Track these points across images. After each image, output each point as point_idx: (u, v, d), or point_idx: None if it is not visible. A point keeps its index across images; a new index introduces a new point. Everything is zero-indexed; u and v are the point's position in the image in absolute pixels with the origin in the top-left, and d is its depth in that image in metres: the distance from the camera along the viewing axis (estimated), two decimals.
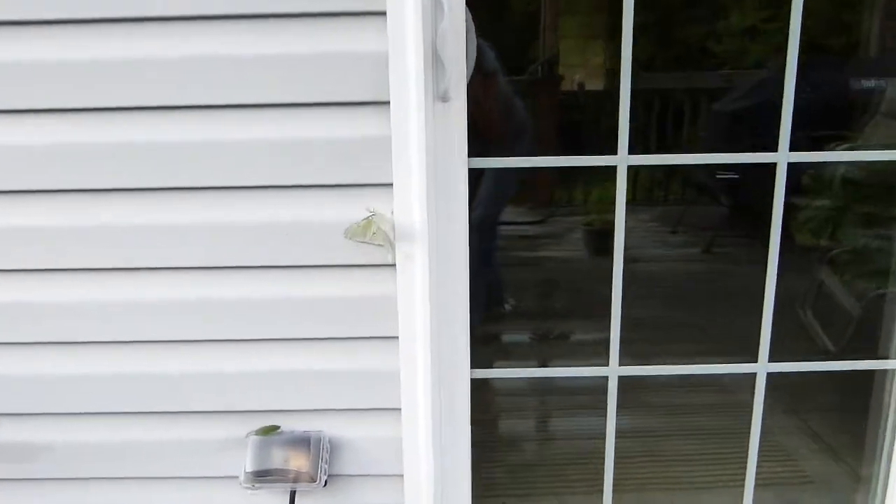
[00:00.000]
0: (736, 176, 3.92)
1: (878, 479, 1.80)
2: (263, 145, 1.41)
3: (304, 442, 1.52)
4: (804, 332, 2.83)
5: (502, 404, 2.58)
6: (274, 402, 1.55)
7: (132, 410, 1.57)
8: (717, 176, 4.01)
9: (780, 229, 1.51)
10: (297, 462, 1.50)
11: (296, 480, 1.50)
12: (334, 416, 1.55)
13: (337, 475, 1.57)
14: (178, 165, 1.42)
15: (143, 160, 1.42)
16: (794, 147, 1.47)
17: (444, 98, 1.38)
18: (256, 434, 1.54)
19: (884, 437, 1.74)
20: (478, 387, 1.57)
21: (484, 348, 1.51)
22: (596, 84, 4.98)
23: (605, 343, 2.94)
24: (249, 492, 1.53)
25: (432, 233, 1.43)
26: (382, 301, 1.47)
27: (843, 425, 2.46)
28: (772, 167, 1.48)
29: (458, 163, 1.43)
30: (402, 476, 1.57)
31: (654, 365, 1.76)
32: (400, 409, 1.53)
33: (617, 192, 1.49)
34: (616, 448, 1.62)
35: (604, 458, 1.63)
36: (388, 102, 1.37)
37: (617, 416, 1.60)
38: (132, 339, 1.52)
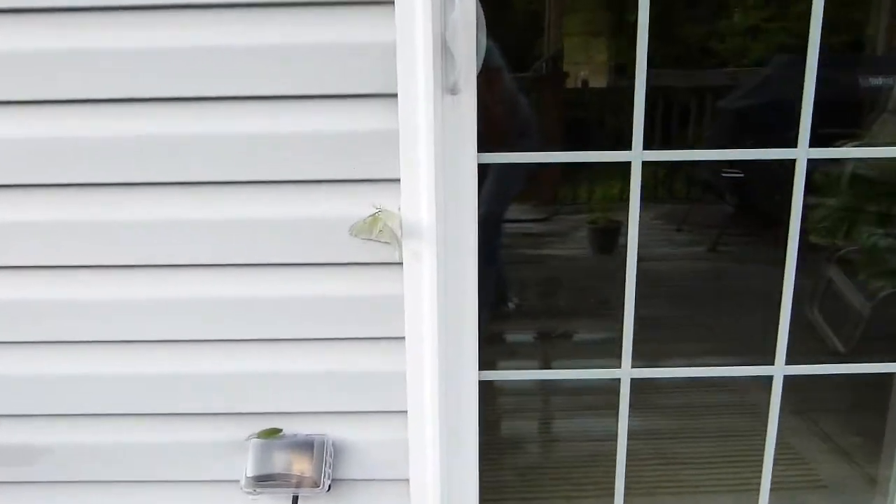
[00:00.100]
0: (741, 174, 3.90)
1: (894, 483, 1.77)
2: (265, 139, 1.37)
3: (307, 445, 1.48)
4: (812, 331, 2.80)
5: (506, 404, 2.54)
6: (276, 404, 1.51)
7: (131, 412, 1.53)
8: (723, 174, 3.99)
9: (798, 228, 1.46)
10: (300, 466, 1.46)
11: (298, 485, 1.46)
12: (338, 419, 1.51)
13: (341, 480, 1.53)
14: (175, 160, 1.38)
15: (138, 154, 1.38)
16: (795, 143, 1.43)
17: (453, 91, 1.34)
18: (258, 437, 1.50)
19: None
20: (482, 386, 1.53)
21: (488, 347, 1.47)
22: (600, 81, 4.96)
23: (611, 342, 2.90)
24: (251, 497, 1.49)
25: (440, 230, 1.39)
26: (389, 300, 1.44)
27: (855, 426, 2.43)
28: (777, 164, 1.44)
29: (468, 157, 1.39)
30: (407, 480, 1.53)
31: (664, 367, 1.72)
32: (406, 412, 1.49)
33: (631, 188, 1.44)
34: (625, 450, 1.58)
35: (612, 460, 1.59)
36: (395, 95, 1.33)
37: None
38: (132, 339, 1.49)
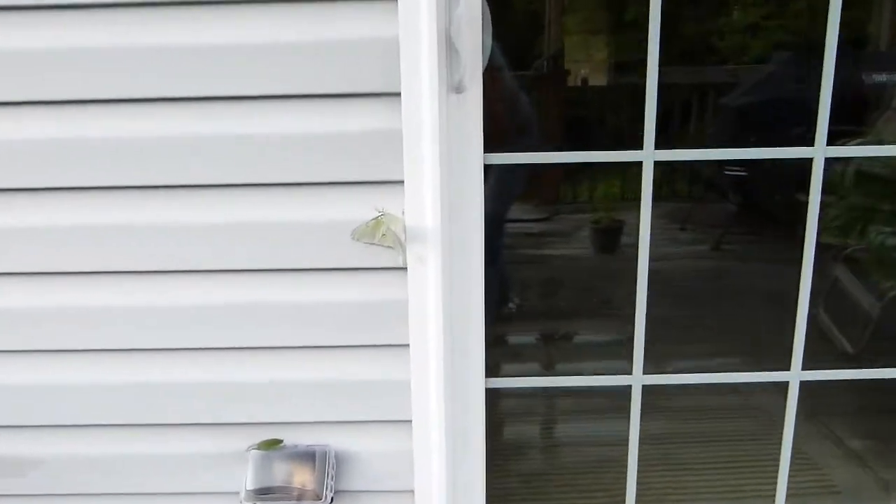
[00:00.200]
0: (744, 172, 3.87)
1: None
2: (263, 140, 1.32)
3: (308, 456, 1.44)
4: (818, 331, 2.76)
5: (510, 407, 2.50)
6: (276, 414, 1.47)
7: (126, 422, 1.49)
8: (726, 172, 3.95)
9: (816, 229, 1.42)
10: (301, 478, 1.42)
11: (300, 498, 1.41)
12: (341, 429, 1.47)
13: (343, 491, 1.49)
14: (172, 162, 1.34)
15: (135, 157, 1.34)
16: (804, 142, 1.38)
17: (458, 89, 1.30)
18: (258, 448, 1.46)
19: None
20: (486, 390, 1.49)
21: (491, 349, 1.45)
22: (601, 79, 4.92)
23: (617, 343, 2.87)
24: None
25: (446, 234, 1.34)
26: (392, 306, 1.39)
27: (868, 430, 2.39)
28: (780, 163, 1.39)
29: (474, 158, 1.35)
30: (412, 492, 1.49)
31: (675, 373, 1.67)
32: (411, 421, 1.45)
33: (642, 188, 1.40)
34: (626, 455, 1.55)
35: (619, 465, 1.55)
36: (398, 94, 1.28)
37: (626, 420, 1.53)
38: (126, 347, 1.45)
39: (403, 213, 1.33)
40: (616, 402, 1.74)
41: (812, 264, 1.44)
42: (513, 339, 3.09)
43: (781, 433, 1.52)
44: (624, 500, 1.58)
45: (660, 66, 1.35)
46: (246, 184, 1.35)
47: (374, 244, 1.34)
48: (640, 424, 1.51)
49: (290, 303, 1.41)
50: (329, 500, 1.41)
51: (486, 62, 1.33)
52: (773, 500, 1.59)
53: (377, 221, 1.33)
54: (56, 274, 1.41)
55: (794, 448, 1.56)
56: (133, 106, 1.31)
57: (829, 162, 1.37)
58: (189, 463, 1.50)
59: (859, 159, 2.53)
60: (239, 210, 1.36)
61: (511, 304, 3.27)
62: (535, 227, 4.13)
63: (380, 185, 1.33)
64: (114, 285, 1.41)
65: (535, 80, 4.15)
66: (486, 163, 1.36)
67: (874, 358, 2.66)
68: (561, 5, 4.56)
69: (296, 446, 1.46)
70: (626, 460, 1.55)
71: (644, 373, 1.49)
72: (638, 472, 1.55)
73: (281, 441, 1.46)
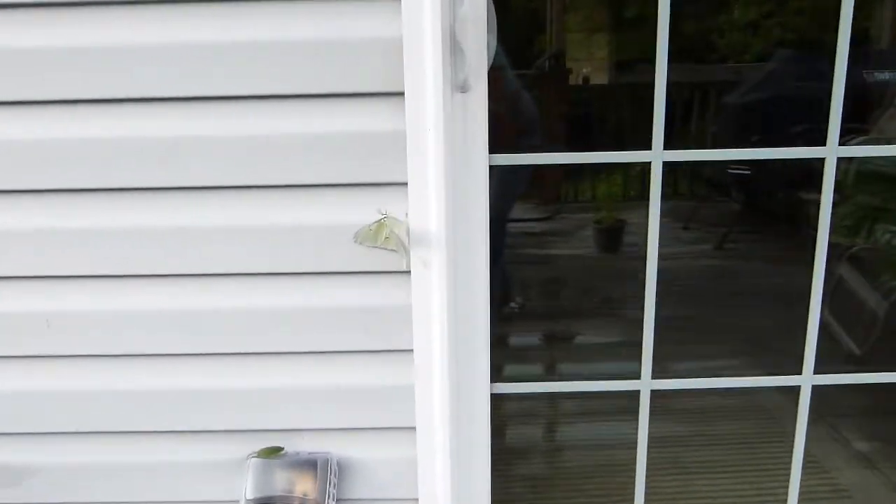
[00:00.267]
0: (748, 171, 3.85)
1: None
2: (262, 141, 1.29)
3: (309, 464, 1.41)
4: (823, 330, 2.74)
5: (513, 409, 2.48)
6: (277, 421, 1.44)
7: (123, 430, 1.46)
8: (729, 170, 3.94)
9: (828, 230, 1.39)
10: (303, 487, 1.39)
11: None
12: (343, 436, 1.44)
13: (346, 500, 1.46)
14: (169, 163, 1.31)
15: (131, 158, 1.31)
16: (806, 140, 1.36)
17: (463, 88, 1.27)
18: (258, 456, 1.43)
19: None
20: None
21: (494, 350, 1.41)
22: (603, 78, 4.90)
23: (621, 344, 2.84)
24: None
25: (450, 237, 1.31)
26: (396, 311, 1.37)
27: (876, 432, 2.37)
28: (783, 161, 1.36)
29: (479, 159, 1.31)
30: (416, 500, 1.46)
31: (679, 372, 1.65)
32: (415, 428, 1.42)
33: (651, 189, 1.37)
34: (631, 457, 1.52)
35: (624, 469, 1.52)
36: (402, 93, 1.25)
37: (630, 422, 1.50)
38: (123, 353, 1.42)
39: (407, 215, 1.30)
40: (620, 403, 1.71)
41: (824, 266, 1.41)
42: (514, 339, 3.07)
43: (784, 432, 1.50)
44: None
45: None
46: (245, 185, 1.32)
47: (376, 247, 1.31)
48: (651, 427, 1.48)
49: (291, 307, 1.38)
50: None
51: (492, 61, 1.30)
52: None
53: (380, 224, 1.30)
54: (53, 278, 1.38)
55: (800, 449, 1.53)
56: (129, 106, 1.28)
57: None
58: (187, 471, 1.47)
59: (865, 157, 2.51)
60: (238, 212, 1.33)
61: (513, 304, 3.25)
62: (537, 227, 4.11)
63: (383, 187, 1.30)
64: (109, 289, 1.38)
65: (536, 79, 4.13)
66: (492, 164, 1.33)
67: (880, 358, 2.64)
68: (562, 4, 4.54)
69: (297, 454, 1.43)
70: (633, 464, 1.52)
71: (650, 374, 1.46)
72: (640, 475, 1.53)
73: (281, 449, 1.44)
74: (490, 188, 1.35)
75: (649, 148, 1.35)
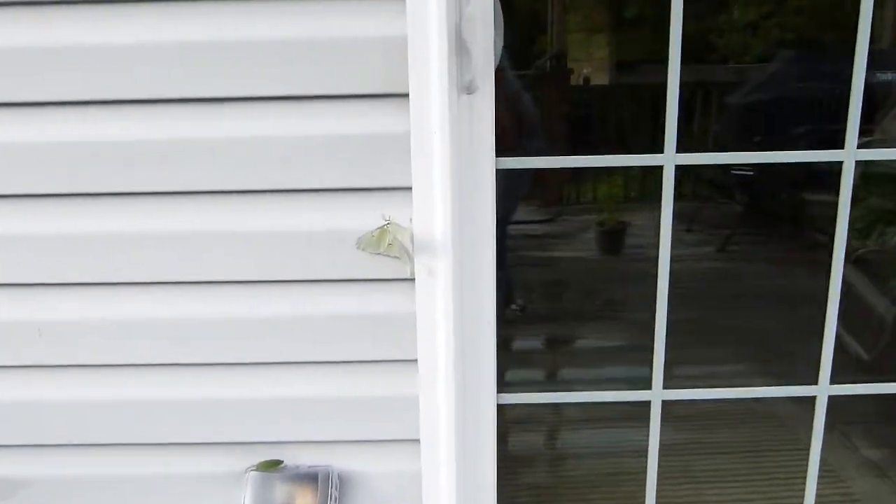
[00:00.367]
0: (751, 172, 3.82)
1: None
2: (259, 144, 1.25)
3: (310, 478, 1.37)
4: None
5: (514, 415, 2.44)
6: (276, 433, 1.40)
7: (118, 442, 1.42)
8: (732, 172, 3.91)
9: (845, 236, 1.35)
10: (303, 501, 1.36)
11: None
12: (344, 449, 1.40)
13: None
14: (167, 167, 1.27)
15: (128, 162, 1.27)
16: (808, 141, 1.32)
17: (469, 89, 1.23)
18: (256, 469, 1.39)
19: None
20: None
21: (497, 354, 1.37)
22: (603, 79, 4.87)
23: (625, 348, 2.80)
24: None
25: (456, 243, 1.27)
26: (399, 320, 1.33)
27: (886, 439, 2.33)
28: (788, 164, 1.33)
29: (486, 163, 1.27)
30: None
31: (685, 376, 1.61)
32: (418, 440, 1.38)
33: (663, 194, 1.33)
34: (636, 465, 1.49)
35: (631, 478, 1.48)
36: (406, 94, 1.21)
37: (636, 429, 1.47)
38: (118, 363, 1.38)
39: (411, 221, 1.26)
40: (626, 410, 1.67)
41: (841, 275, 1.37)
42: (516, 342, 3.04)
43: (795, 440, 1.46)
44: None
45: (665, 64, 1.28)
46: (243, 190, 1.28)
47: (379, 254, 1.27)
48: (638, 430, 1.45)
49: (290, 316, 1.34)
50: None
51: (498, 61, 1.26)
52: None
53: (383, 230, 1.26)
54: (47, 285, 1.34)
55: (807, 458, 1.50)
56: (125, 108, 1.25)
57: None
58: (183, 484, 1.43)
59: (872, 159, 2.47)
60: (235, 217, 1.29)
61: (514, 306, 3.22)
62: (539, 229, 4.09)
63: (386, 192, 1.26)
64: (107, 298, 1.34)
65: (536, 80, 4.10)
66: (498, 167, 1.29)
67: (889, 364, 2.60)
68: (563, 4, 4.51)
69: (297, 467, 1.40)
70: (640, 472, 1.49)
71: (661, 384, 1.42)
72: (642, 483, 1.49)
73: (281, 462, 1.40)
74: None
75: (653, 149, 1.31)
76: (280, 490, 1.37)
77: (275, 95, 1.23)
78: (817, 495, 1.52)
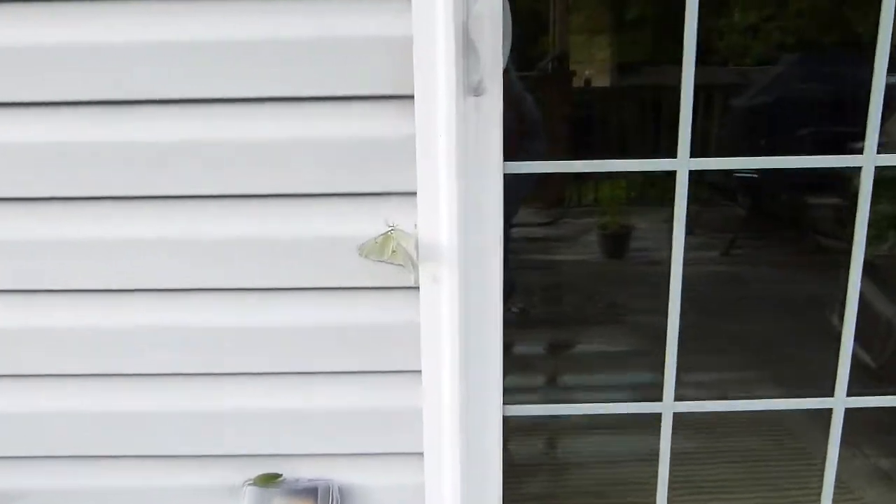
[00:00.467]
0: (755, 175, 3.78)
1: None
2: (260, 147, 1.22)
3: (309, 492, 1.34)
4: (839, 343, 2.67)
5: (516, 422, 2.40)
6: (275, 446, 1.37)
7: (116, 454, 1.40)
8: (735, 175, 3.87)
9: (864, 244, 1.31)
10: None
11: None
12: (345, 462, 1.37)
13: None
14: (163, 170, 1.23)
15: (122, 164, 1.23)
16: (809, 144, 1.28)
17: (476, 91, 1.19)
18: (255, 483, 1.36)
19: None
20: None
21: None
22: (606, 81, 4.82)
23: (629, 354, 2.76)
24: None
25: (462, 251, 1.23)
26: (403, 329, 1.29)
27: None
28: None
29: (493, 167, 1.23)
30: None
31: (692, 383, 1.57)
32: (422, 454, 1.35)
33: (676, 200, 1.29)
34: (643, 474, 1.47)
35: (638, 487, 1.45)
36: (412, 96, 1.18)
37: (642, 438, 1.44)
38: (113, 373, 1.35)
39: (416, 227, 1.22)
40: (633, 418, 1.63)
41: (858, 285, 1.33)
42: (516, 346, 2.99)
43: (805, 449, 1.42)
44: None
45: (669, 66, 1.24)
46: (242, 194, 1.25)
47: (382, 261, 1.23)
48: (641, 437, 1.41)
49: (289, 325, 1.30)
50: None
51: (507, 62, 1.22)
52: None
53: (386, 237, 1.22)
54: (39, 292, 1.31)
55: (815, 467, 1.46)
56: (121, 109, 1.22)
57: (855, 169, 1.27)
58: (180, 498, 1.40)
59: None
60: (234, 222, 1.26)
61: (514, 309, 3.18)
62: (540, 232, 4.05)
63: (390, 197, 1.23)
64: (100, 305, 1.31)
65: (539, 81, 4.06)
66: (506, 172, 1.25)
67: None
68: (566, 4, 4.47)
69: (296, 481, 1.36)
70: (646, 481, 1.47)
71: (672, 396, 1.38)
72: (650, 492, 1.46)
73: (280, 475, 1.37)
74: None
75: (657, 150, 1.27)
76: None
77: (275, 96, 1.20)
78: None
